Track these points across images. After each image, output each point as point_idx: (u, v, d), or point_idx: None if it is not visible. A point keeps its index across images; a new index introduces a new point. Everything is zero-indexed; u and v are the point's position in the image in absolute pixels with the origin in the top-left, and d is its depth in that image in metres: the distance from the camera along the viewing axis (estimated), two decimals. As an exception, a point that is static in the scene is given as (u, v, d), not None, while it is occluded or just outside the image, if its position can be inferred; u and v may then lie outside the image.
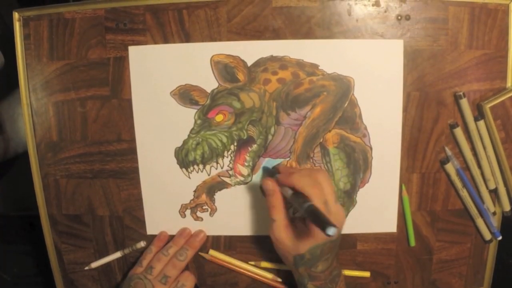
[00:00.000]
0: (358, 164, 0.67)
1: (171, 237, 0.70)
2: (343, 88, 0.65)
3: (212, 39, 0.64)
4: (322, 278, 0.60)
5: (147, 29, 0.65)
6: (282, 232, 0.59)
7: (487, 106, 0.63)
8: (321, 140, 0.66)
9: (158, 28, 0.64)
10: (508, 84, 0.65)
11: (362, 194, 0.68)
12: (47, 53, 0.67)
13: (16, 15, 0.66)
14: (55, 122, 0.68)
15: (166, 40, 0.65)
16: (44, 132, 0.69)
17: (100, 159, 0.68)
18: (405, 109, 0.65)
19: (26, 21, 0.66)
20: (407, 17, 0.63)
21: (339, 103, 0.65)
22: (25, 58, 0.67)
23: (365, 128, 0.66)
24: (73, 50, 0.66)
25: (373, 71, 0.64)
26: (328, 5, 0.63)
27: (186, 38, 0.64)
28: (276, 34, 0.64)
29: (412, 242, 0.69)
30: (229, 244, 0.70)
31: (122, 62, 0.66)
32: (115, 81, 0.66)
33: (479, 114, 0.64)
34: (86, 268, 0.72)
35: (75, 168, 0.69)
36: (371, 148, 0.67)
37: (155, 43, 0.65)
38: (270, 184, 0.60)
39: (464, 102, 0.64)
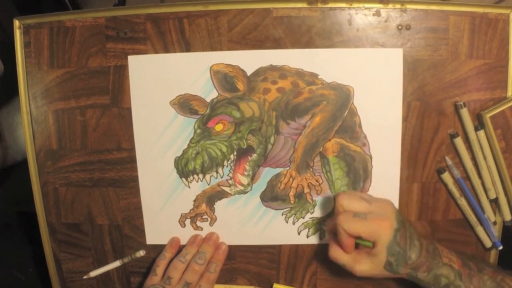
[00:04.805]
0: (358, 173, 0.67)
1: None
2: (342, 97, 0.65)
3: (213, 48, 0.64)
4: (424, 262, 0.59)
5: (147, 38, 0.65)
6: (357, 266, 0.59)
7: (488, 116, 0.63)
8: (320, 149, 0.66)
9: (159, 37, 0.64)
10: (509, 94, 0.65)
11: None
12: (47, 61, 0.67)
13: (16, 22, 0.66)
14: (55, 130, 0.68)
15: (166, 49, 0.65)
16: (44, 140, 0.68)
17: (100, 168, 0.68)
18: (406, 119, 0.65)
19: (27, 29, 0.66)
20: (408, 27, 0.63)
21: (339, 112, 0.65)
22: (25, 66, 0.67)
23: (365, 137, 0.66)
24: (73, 58, 0.66)
25: (372, 80, 0.64)
26: (329, 15, 0.63)
27: (187, 47, 0.64)
28: (276, 44, 0.64)
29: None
30: (228, 253, 0.70)
31: (122, 71, 0.66)
32: (115, 90, 0.66)
33: (479, 124, 0.64)
34: (85, 277, 0.72)
35: (74, 176, 0.69)
36: (371, 157, 0.66)
37: (156, 52, 0.65)
38: (328, 234, 0.66)
39: (465, 112, 0.64)
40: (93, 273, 0.71)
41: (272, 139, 0.66)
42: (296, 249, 0.70)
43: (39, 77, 0.67)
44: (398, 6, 0.63)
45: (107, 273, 0.72)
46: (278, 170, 0.67)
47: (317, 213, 0.68)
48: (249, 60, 0.64)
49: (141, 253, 0.70)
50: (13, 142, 0.85)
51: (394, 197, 0.67)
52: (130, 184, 0.68)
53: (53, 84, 0.67)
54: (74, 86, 0.67)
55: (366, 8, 0.63)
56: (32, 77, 0.67)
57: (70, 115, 0.67)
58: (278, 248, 0.70)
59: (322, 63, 0.64)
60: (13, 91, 0.68)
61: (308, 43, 0.64)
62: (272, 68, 0.64)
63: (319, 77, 0.65)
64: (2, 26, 0.93)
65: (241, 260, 0.70)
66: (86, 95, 0.67)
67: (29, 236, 0.82)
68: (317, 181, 0.67)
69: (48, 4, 1.08)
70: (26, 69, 0.67)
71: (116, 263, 0.71)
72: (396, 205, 0.67)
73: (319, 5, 0.63)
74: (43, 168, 0.69)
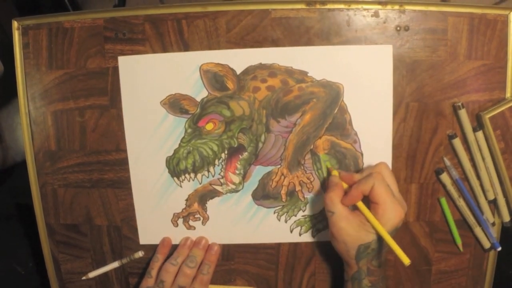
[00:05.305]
0: (349, 170, 0.67)
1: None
2: (332, 94, 0.65)
3: (211, 49, 0.64)
4: (378, 274, 0.59)
5: (146, 39, 0.65)
6: (343, 222, 0.58)
7: (487, 117, 0.63)
8: (311, 147, 0.66)
9: (157, 38, 0.64)
10: (507, 95, 0.65)
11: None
12: (46, 62, 0.67)
13: (15, 23, 0.66)
14: (54, 131, 0.68)
15: (165, 50, 0.65)
16: (43, 141, 0.68)
17: (99, 169, 0.68)
18: (404, 120, 0.65)
19: (25, 30, 0.66)
20: (406, 28, 0.63)
21: (329, 109, 0.65)
22: (24, 67, 0.67)
23: (356, 134, 0.66)
24: (72, 60, 0.66)
25: (362, 76, 0.64)
26: (327, 16, 0.63)
27: (185, 48, 0.64)
28: (275, 45, 0.64)
29: (458, 240, 0.69)
30: (227, 254, 0.70)
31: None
32: (114, 91, 0.66)
33: (478, 125, 0.64)
34: (84, 278, 0.72)
35: (73, 177, 0.69)
36: (362, 154, 0.66)
37: (154, 52, 0.65)
38: (337, 178, 0.62)
39: (463, 113, 0.64)
40: (92, 274, 0.71)
41: (262, 137, 0.66)
42: (294, 250, 0.70)
43: (38, 78, 0.67)
44: (396, 7, 0.63)
45: (105, 274, 0.72)
46: (269, 168, 0.67)
47: (309, 210, 0.68)
48: (239, 58, 0.64)
49: (140, 254, 0.70)
50: (13, 143, 0.85)
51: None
52: (129, 185, 0.68)
53: (51, 85, 0.67)
54: (73, 87, 0.67)
55: (365, 9, 0.63)
56: (31, 78, 0.67)
57: (69, 116, 0.67)
58: (276, 249, 0.70)
59: (312, 61, 0.64)
60: (14, 92, 0.68)
61: (307, 44, 0.64)
62: (261, 66, 0.64)
63: (308, 74, 0.65)
64: (2, 27, 0.93)
65: (240, 260, 0.70)
66: (84, 96, 0.67)
67: (29, 230, 0.82)
68: (308, 178, 0.67)
69: (49, 5, 1.08)
70: (25, 70, 0.67)
71: (115, 264, 0.71)
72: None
73: (318, 6, 0.63)
74: (42, 169, 0.69)
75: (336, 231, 0.59)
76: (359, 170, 0.66)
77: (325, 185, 0.67)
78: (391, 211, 0.57)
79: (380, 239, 0.58)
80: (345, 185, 0.62)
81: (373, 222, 0.57)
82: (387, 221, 0.57)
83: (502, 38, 0.64)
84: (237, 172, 0.67)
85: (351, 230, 0.58)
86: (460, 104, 0.63)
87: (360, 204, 0.59)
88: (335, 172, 0.64)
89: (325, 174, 0.67)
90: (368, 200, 0.59)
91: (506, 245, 0.69)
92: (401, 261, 0.54)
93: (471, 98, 0.65)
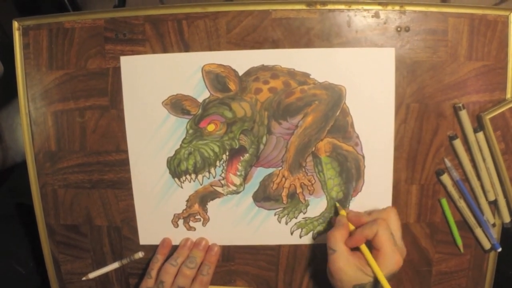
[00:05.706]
0: (351, 173, 0.67)
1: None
2: (334, 97, 0.65)
3: (212, 49, 0.64)
4: None
5: (146, 40, 0.65)
6: (342, 262, 0.59)
7: (487, 117, 0.63)
8: (313, 149, 0.66)
9: (158, 38, 0.64)
10: (508, 95, 0.65)
11: (355, 203, 0.68)
12: (46, 63, 0.67)
13: (15, 24, 0.66)
14: (54, 132, 0.68)
15: (165, 51, 0.65)
16: (43, 142, 0.68)
17: (99, 169, 0.68)
18: (405, 121, 0.65)
19: (26, 30, 0.66)
20: (407, 29, 0.63)
21: (331, 112, 0.65)
22: (24, 67, 0.67)
23: (357, 137, 0.66)
24: (72, 60, 0.66)
25: (364, 79, 0.64)
26: (328, 17, 0.63)
27: (186, 48, 0.64)
28: (275, 45, 0.64)
29: (459, 241, 0.69)
30: (227, 254, 0.70)
31: (121, 73, 0.65)
32: (114, 91, 0.66)
33: (479, 126, 0.64)
34: (84, 278, 0.72)
35: (73, 178, 0.69)
36: (363, 157, 0.66)
37: (155, 53, 0.65)
38: (344, 219, 0.63)
39: (464, 114, 0.64)
40: (92, 275, 0.71)
41: (264, 139, 0.66)
42: (295, 251, 0.70)
43: (38, 78, 0.67)
44: (397, 8, 0.63)
45: (106, 275, 0.72)
46: (270, 170, 0.67)
47: (310, 213, 0.68)
48: (241, 60, 0.64)
49: (140, 254, 0.70)
50: (13, 143, 0.85)
51: (387, 196, 0.67)
52: (129, 186, 0.68)
53: (52, 85, 0.67)
54: (73, 87, 0.67)
55: (365, 10, 0.63)
56: (31, 79, 0.67)
57: (69, 116, 0.67)
58: (277, 250, 0.70)
59: (314, 63, 0.64)
60: (14, 92, 0.68)
61: (307, 45, 0.64)
62: (263, 68, 0.64)
63: (311, 76, 0.64)
64: (2, 27, 0.93)
65: (240, 261, 0.70)
66: (85, 96, 0.67)
67: (29, 230, 0.82)
68: (309, 181, 0.67)
69: (48, 5, 1.07)
70: (25, 71, 0.67)
71: (115, 265, 0.71)
72: (389, 205, 0.67)
73: (318, 7, 0.63)
74: (42, 169, 0.69)
75: (334, 270, 0.59)
76: (360, 173, 0.66)
77: (333, 222, 0.66)
78: (391, 259, 0.58)
79: (375, 283, 0.58)
80: (351, 226, 0.62)
81: (374, 267, 0.58)
82: (385, 267, 0.58)
83: (502, 39, 0.64)
84: (238, 173, 0.67)
85: (349, 271, 0.59)
86: (460, 105, 0.63)
87: (363, 247, 0.60)
88: (343, 212, 0.65)
89: (326, 176, 0.67)
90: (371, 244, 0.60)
91: (506, 246, 0.69)
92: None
93: (471, 99, 0.64)
